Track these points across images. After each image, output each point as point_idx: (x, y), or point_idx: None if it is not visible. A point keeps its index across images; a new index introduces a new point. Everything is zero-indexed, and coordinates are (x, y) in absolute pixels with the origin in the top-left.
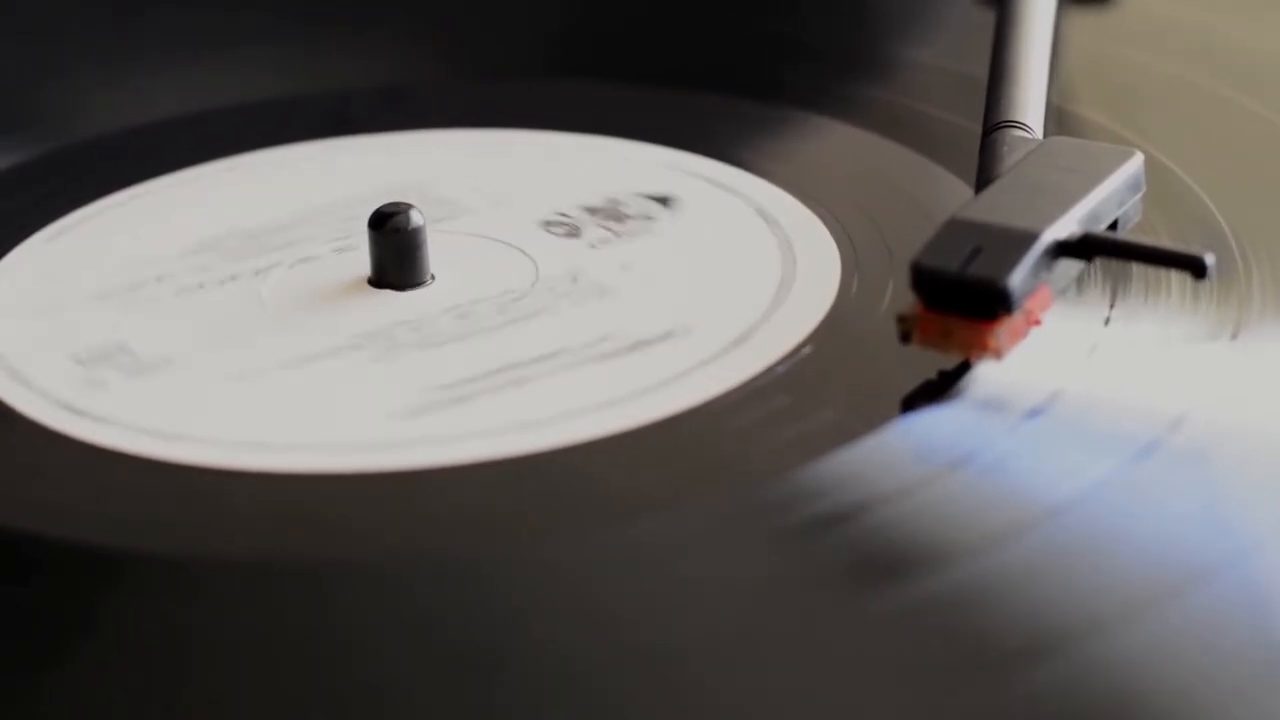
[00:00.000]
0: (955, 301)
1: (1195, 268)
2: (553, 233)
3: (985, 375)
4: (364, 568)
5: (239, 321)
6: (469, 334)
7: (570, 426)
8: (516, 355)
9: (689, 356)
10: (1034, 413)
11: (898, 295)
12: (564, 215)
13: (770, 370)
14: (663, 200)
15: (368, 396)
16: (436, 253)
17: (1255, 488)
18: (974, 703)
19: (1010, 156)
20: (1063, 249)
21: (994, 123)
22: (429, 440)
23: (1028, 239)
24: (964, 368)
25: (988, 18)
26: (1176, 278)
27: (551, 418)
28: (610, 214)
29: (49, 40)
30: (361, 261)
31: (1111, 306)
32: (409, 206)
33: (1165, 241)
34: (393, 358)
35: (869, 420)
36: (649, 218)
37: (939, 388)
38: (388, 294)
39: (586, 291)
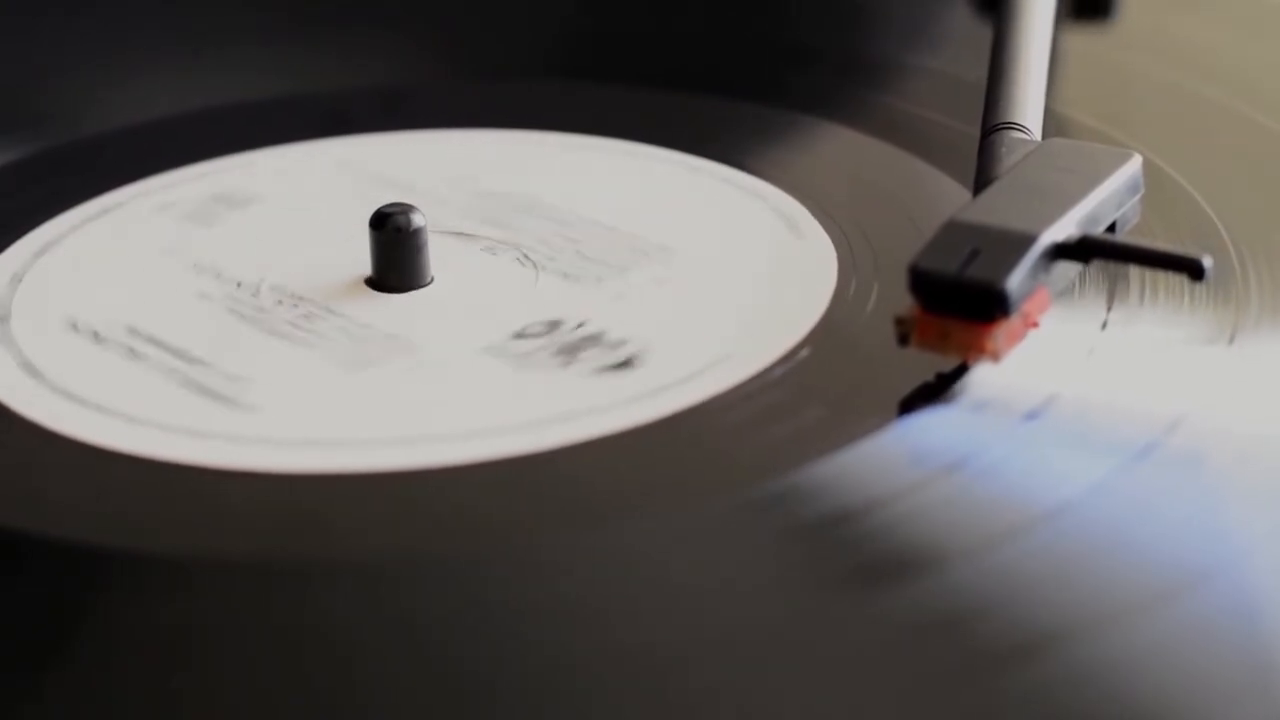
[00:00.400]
0: (953, 304)
1: (1193, 270)
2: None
3: (983, 378)
4: (364, 568)
5: (237, 320)
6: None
7: (569, 427)
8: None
9: (687, 358)
10: (1031, 415)
11: (895, 297)
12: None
13: (767, 372)
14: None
15: (364, 396)
16: (437, 254)
17: (1252, 491)
18: (971, 705)
19: (1009, 158)
20: (1061, 251)
21: (992, 124)
22: (429, 440)
23: (1026, 241)
24: (961, 370)
25: (987, 22)
26: (1174, 280)
27: (551, 418)
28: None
29: (49, 40)
30: (362, 261)
31: (1109, 309)
32: (409, 207)
33: (1163, 244)
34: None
35: (866, 422)
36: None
37: (936, 390)
38: (386, 295)
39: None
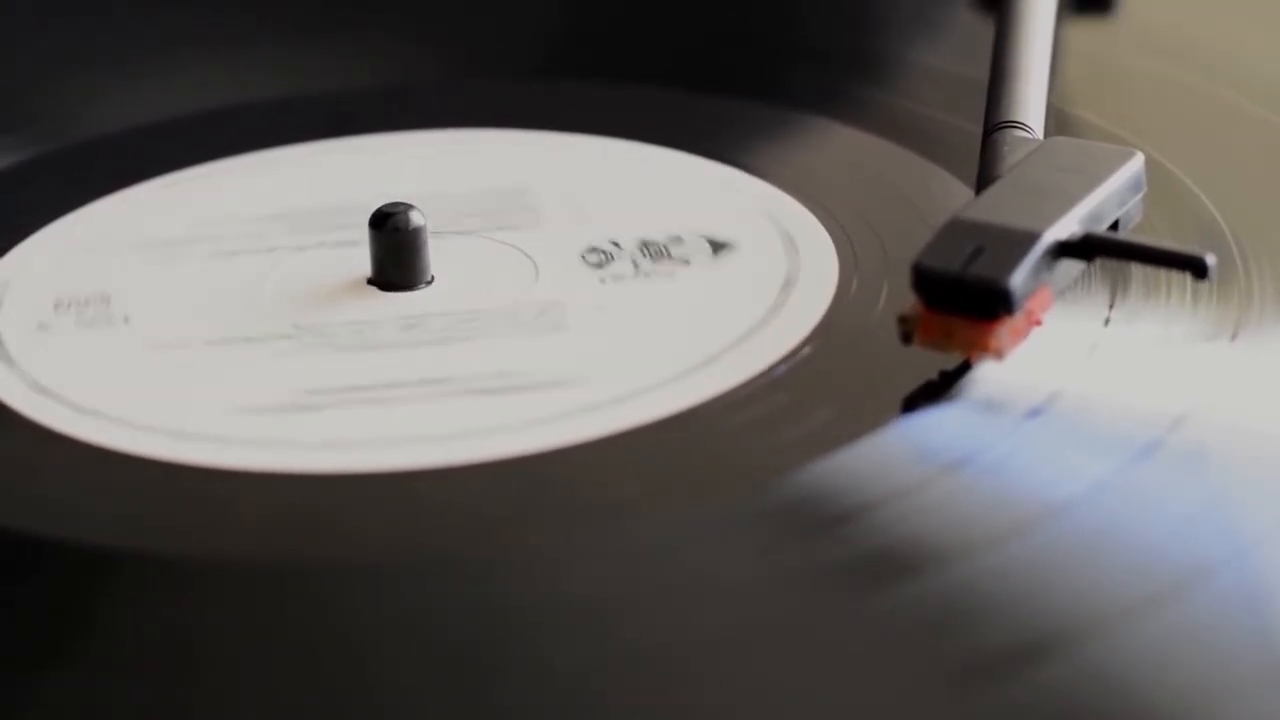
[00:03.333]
0: (956, 302)
1: (1196, 268)
2: (587, 262)
3: (986, 375)
4: (364, 568)
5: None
6: (405, 345)
7: (570, 426)
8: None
9: (688, 357)
10: (1034, 413)
11: (898, 296)
12: (603, 247)
13: (770, 371)
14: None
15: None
16: (437, 253)
17: (1255, 488)
18: (974, 704)
19: (1011, 157)
20: (1064, 249)
21: (995, 123)
22: (428, 440)
23: (1029, 239)
24: (964, 368)
25: (989, 20)
26: (1177, 278)
27: (551, 418)
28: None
29: (49, 40)
30: (363, 261)
31: (1112, 307)
32: (409, 206)
33: (1166, 242)
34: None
35: (869, 421)
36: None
37: (939, 388)
38: (386, 294)
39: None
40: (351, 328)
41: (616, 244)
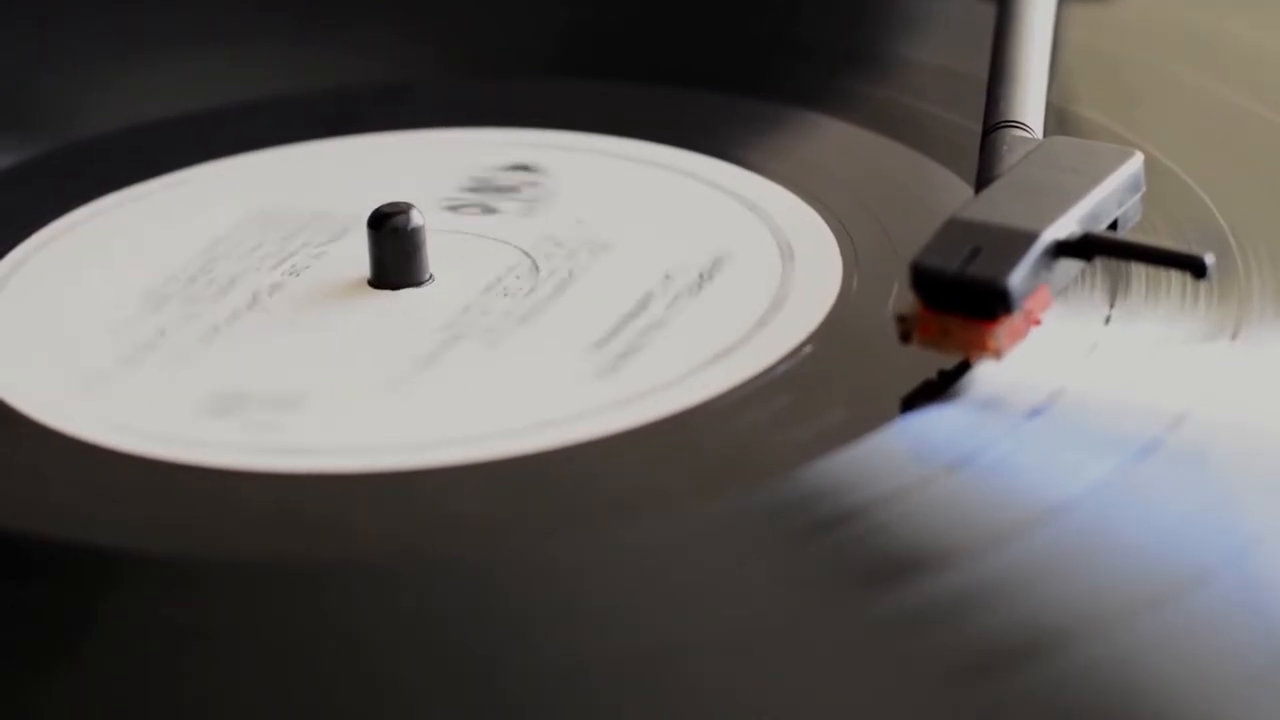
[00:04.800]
0: (955, 301)
1: (1195, 267)
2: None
3: (985, 375)
4: (364, 568)
5: (238, 321)
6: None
7: (570, 426)
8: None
9: (689, 356)
10: (1034, 413)
11: (898, 295)
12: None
13: (770, 370)
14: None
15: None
16: (438, 254)
17: (1255, 487)
18: (974, 703)
19: (1010, 156)
20: (1063, 249)
21: (994, 122)
22: (428, 440)
23: (1028, 239)
24: (964, 368)
25: (988, 16)
26: (1176, 277)
27: (551, 418)
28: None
29: (48, 40)
30: (362, 261)
31: (1111, 306)
32: (409, 206)
33: (1165, 241)
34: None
35: (869, 420)
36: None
37: (939, 388)
38: (385, 294)
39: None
40: (335, 325)
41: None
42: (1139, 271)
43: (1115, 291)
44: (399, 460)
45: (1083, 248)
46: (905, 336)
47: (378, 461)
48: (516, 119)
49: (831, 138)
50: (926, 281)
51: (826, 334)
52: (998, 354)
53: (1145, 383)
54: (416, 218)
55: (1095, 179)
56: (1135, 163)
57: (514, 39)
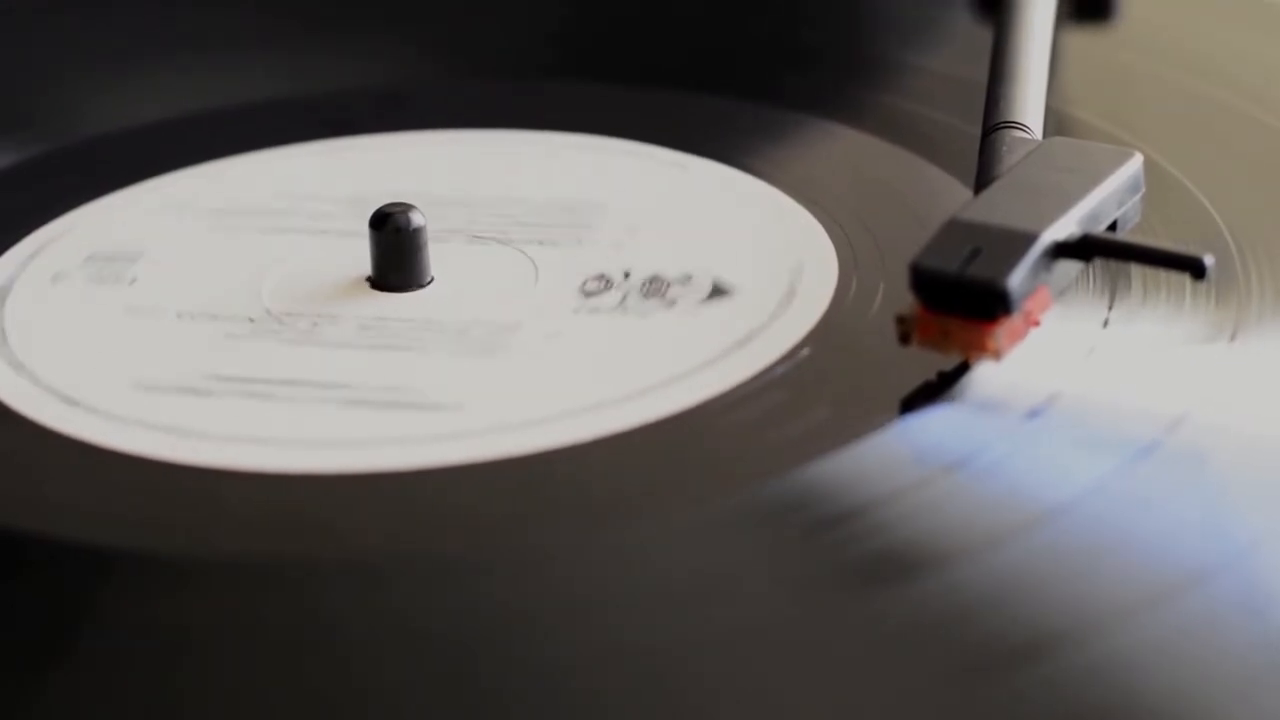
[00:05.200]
0: (954, 302)
1: (1194, 269)
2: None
3: (984, 376)
4: (363, 568)
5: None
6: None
7: (569, 426)
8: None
9: (688, 357)
10: (1033, 414)
11: (896, 296)
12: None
13: (769, 371)
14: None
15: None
16: (439, 254)
17: (1254, 489)
18: (973, 704)
19: (1009, 157)
20: (1062, 250)
21: (993, 123)
22: (429, 440)
23: (1027, 240)
24: (963, 369)
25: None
26: (1175, 279)
27: (551, 417)
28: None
29: (49, 40)
30: (363, 261)
31: (1110, 308)
32: (409, 206)
33: (1164, 242)
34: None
35: (868, 421)
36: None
37: (938, 389)
38: (387, 295)
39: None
40: (312, 322)
41: (622, 275)
42: (1138, 273)
43: (1114, 293)
44: (399, 459)
45: (1082, 249)
46: (905, 337)
47: (378, 460)
48: (517, 120)
49: (830, 142)
50: (926, 282)
51: (825, 335)
52: (997, 355)
53: (1144, 384)
54: (417, 218)
55: (1095, 180)
56: (1135, 164)
57: (515, 40)
